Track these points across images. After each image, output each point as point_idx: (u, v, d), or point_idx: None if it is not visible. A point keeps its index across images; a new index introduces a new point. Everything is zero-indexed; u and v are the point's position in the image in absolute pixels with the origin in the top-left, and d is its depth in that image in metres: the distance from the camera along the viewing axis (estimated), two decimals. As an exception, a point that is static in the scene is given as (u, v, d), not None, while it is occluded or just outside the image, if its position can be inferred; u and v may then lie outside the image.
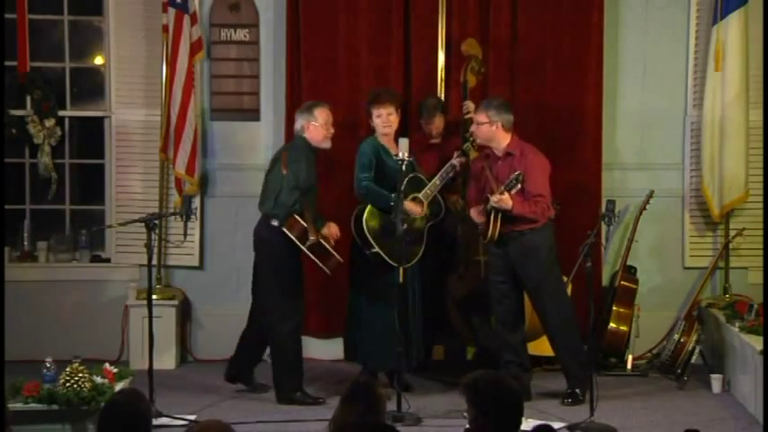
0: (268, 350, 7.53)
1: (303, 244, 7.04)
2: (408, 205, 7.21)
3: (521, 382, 6.98)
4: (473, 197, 7.39)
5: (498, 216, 7.10)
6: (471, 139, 7.50)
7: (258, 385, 7.52)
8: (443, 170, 7.40)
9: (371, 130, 7.54)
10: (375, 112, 7.41)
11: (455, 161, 7.44)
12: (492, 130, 7.23)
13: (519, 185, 7.00)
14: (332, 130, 7.31)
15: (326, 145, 7.31)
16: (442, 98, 8.11)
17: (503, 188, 7.02)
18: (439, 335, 8.08)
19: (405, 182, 7.12)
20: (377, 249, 7.22)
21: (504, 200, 7.03)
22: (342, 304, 7.71)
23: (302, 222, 7.06)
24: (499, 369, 7.19)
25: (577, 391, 7.18)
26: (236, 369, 7.53)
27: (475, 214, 7.24)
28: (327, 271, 7.18)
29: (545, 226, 7.23)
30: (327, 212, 8.05)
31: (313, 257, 7.10)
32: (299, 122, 7.32)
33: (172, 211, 8.00)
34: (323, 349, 8.42)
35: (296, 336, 7.29)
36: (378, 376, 7.42)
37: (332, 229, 7.27)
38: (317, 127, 7.26)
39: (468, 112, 7.72)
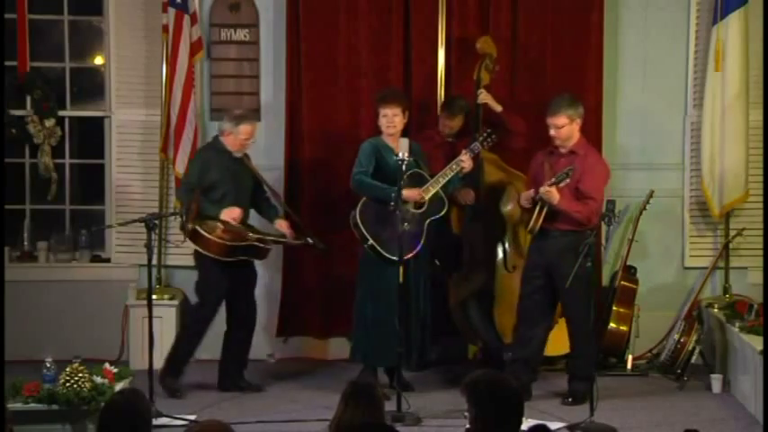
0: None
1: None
2: (407, 192, 7.19)
3: (521, 381, 6.97)
4: (529, 191, 7.35)
5: (544, 209, 7.09)
6: (482, 137, 7.49)
7: (253, 386, 7.54)
8: (448, 167, 7.38)
9: (372, 130, 7.54)
10: (381, 111, 7.42)
11: (463, 158, 7.42)
12: (573, 128, 7.23)
13: (568, 179, 6.98)
14: (250, 144, 7.48)
15: (238, 154, 7.46)
16: (442, 98, 8.10)
17: (552, 180, 7.03)
18: (439, 335, 8.08)
19: (405, 178, 7.11)
20: (372, 242, 7.23)
21: (551, 192, 7.03)
22: (342, 304, 7.71)
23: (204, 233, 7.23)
24: (502, 368, 7.19)
25: (579, 390, 7.15)
26: (226, 377, 7.58)
27: (524, 199, 7.25)
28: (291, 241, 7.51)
29: (587, 232, 7.03)
30: (329, 212, 8.09)
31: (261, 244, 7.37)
32: (223, 127, 7.48)
33: (172, 211, 8.00)
34: (323, 349, 8.43)
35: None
36: (377, 375, 7.42)
37: (232, 213, 7.32)
38: (235, 138, 7.40)
39: (482, 99, 7.70)
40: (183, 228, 7.39)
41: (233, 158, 7.45)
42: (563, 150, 7.26)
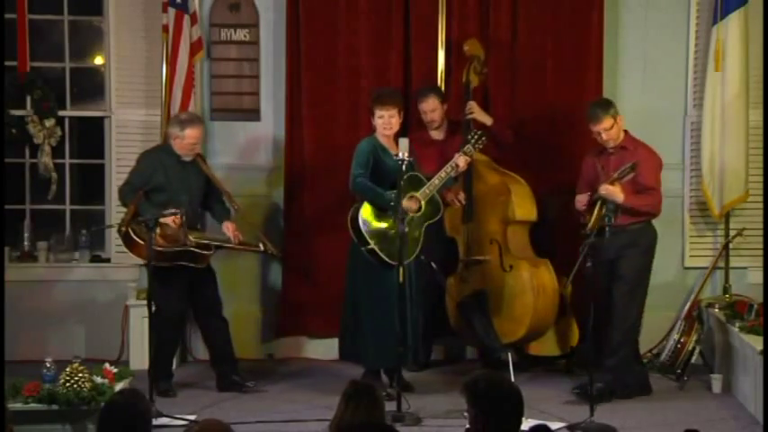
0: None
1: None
2: (404, 203, 7.19)
3: (637, 379, 7.26)
4: (582, 190, 7.38)
5: (603, 207, 7.10)
6: (473, 139, 7.49)
7: (246, 383, 7.52)
8: (443, 169, 7.38)
9: (372, 130, 7.54)
10: (377, 112, 7.40)
11: (458, 160, 7.42)
12: (618, 126, 7.31)
13: (633, 173, 7.03)
14: (196, 149, 7.46)
15: (187, 158, 7.44)
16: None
17: (615, 176, 7.06)
18: (439, 335, 8.08)
19: (404, 179, 7.10)
20: (372, 246, 7.22)
21: (613, 190, 7.08)
22: (342, 304, 7.70)
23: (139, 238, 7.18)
24: (501, 369, 7.20)
25: (602, 387, 7.15)
26: (220, 377, 7.57)
27: (579, 202, 7.28)
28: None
29: (648, 224, 7.28)
30: (329, 212, 8.08)
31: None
32: (170, 131, 7.48)
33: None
34: (322, 349, 8.42)
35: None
36: (380, 377, 7.42)
37: (169, 219, 7.26)
38: (182, 142, 7.38)
39: (472, 113, 7.73)
40: (118, 230, 7.34)
41: (181, 162, 7.42)
42: (610, 149, 7.33)
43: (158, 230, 7.14)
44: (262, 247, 7.52)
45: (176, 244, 7.24)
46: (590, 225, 7.12)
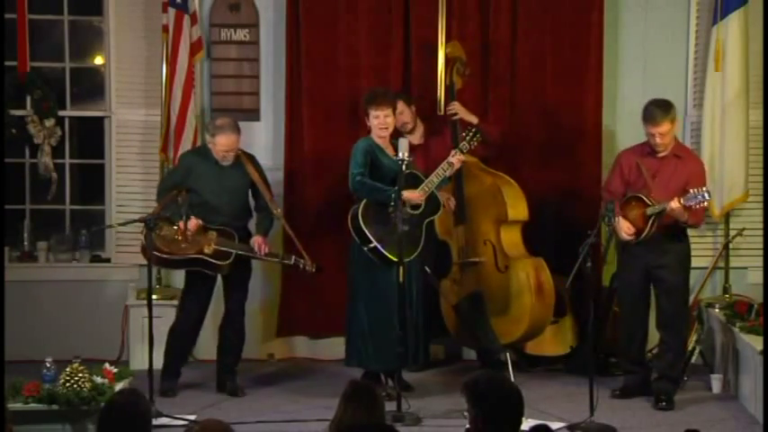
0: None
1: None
2: (407, 193, 7.17)
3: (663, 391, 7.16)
4: (616, 190, 7.25)
5: (656, 221, 7.02)
6: (469, 137, 7.47)
7: (237, 389, 7.50)
8: (440, 168, 7.37)
9: (370, 130, 7.54)
10: (372, 113, 7.38)
11: (452, 159, 7.41)
12: (674, 132, 7.20)
13: (705, 203, 6.94)
14: (230, 156, 7.36)
15: (225, 162, 7.38)
16: (442, 97, 8.08)
17: (688, 201, 6.88)
18: (439, 335, 8.08)
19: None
20: (374, 244, 7.21)
21: (681, 211, 6.93)
22: (342, 305, 7.71)
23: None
24: (500, 369, 7.20)
25: (670, 391, 7.18)
26: (219, 378, 7.57)
27: (626, 228, 7.09)
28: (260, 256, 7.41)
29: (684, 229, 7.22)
30: (329, 212, 8.08)
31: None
32: (206, 135, 7.49)
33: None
34: (322, 349, 8.43)
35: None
36: (380, 378, 7.41)
37: (191, 223, 7.24)
38: (215, 148, 7.35)
39: (456, 114, 7.71)
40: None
41: (220, 166, 7.38)
42: (663, 154, 7.18)
43: (160, 233, 7.13)
44: (292, 261, 7.43)
45: (185, 250, 7.18)
46: (644, 235, 7.06)
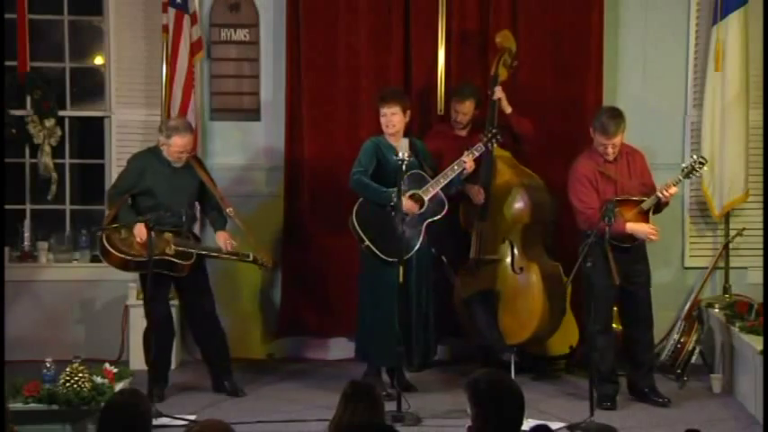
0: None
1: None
2: (405, 204, 7.19)
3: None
4: (596, 203, 7.16)
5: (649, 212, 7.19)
6: (487, 137, 7.46)
7: (236, 390, 7.49)
8: (450, 167, 7.35)
9: (372, 130, 7.54)
10: (380, 111, 7.41)
11: (465, 158, 7.38)
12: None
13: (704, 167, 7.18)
14: (184, 157, 7.31)
15: (177, 164, 7.33)
16: (442, 97, 8.09)
17: (680, 178, 7.12)
18: (442, 334, 8.07)
19: (405, 178, 7.10)
20: (368, 243, 7.23)
21: (676, 188, 7.18)
22: (342, 304, 7.70)
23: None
24: (503, 368, 7.20)
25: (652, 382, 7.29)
26: (214, 379, 7.55)
27: (649, 229, 7.13)
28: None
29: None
30: (329, 212, 8.08)
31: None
32: (159, 137, 7.36)
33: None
34: (322, 349, 8.43)
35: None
36: (381, 376, 7.42)
37: (140, 233, 7.13)
38: (169, 149, 7.28)
39: (498, 97, 7.68)
40: (94, 235, 7.27)
41: (172, 167, 7.33)
42: (609, 157, 7.24)
43: (120, 237, 7.11)
44: (251, 258, 7.41)
45: (145, 253, 7.02)
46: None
